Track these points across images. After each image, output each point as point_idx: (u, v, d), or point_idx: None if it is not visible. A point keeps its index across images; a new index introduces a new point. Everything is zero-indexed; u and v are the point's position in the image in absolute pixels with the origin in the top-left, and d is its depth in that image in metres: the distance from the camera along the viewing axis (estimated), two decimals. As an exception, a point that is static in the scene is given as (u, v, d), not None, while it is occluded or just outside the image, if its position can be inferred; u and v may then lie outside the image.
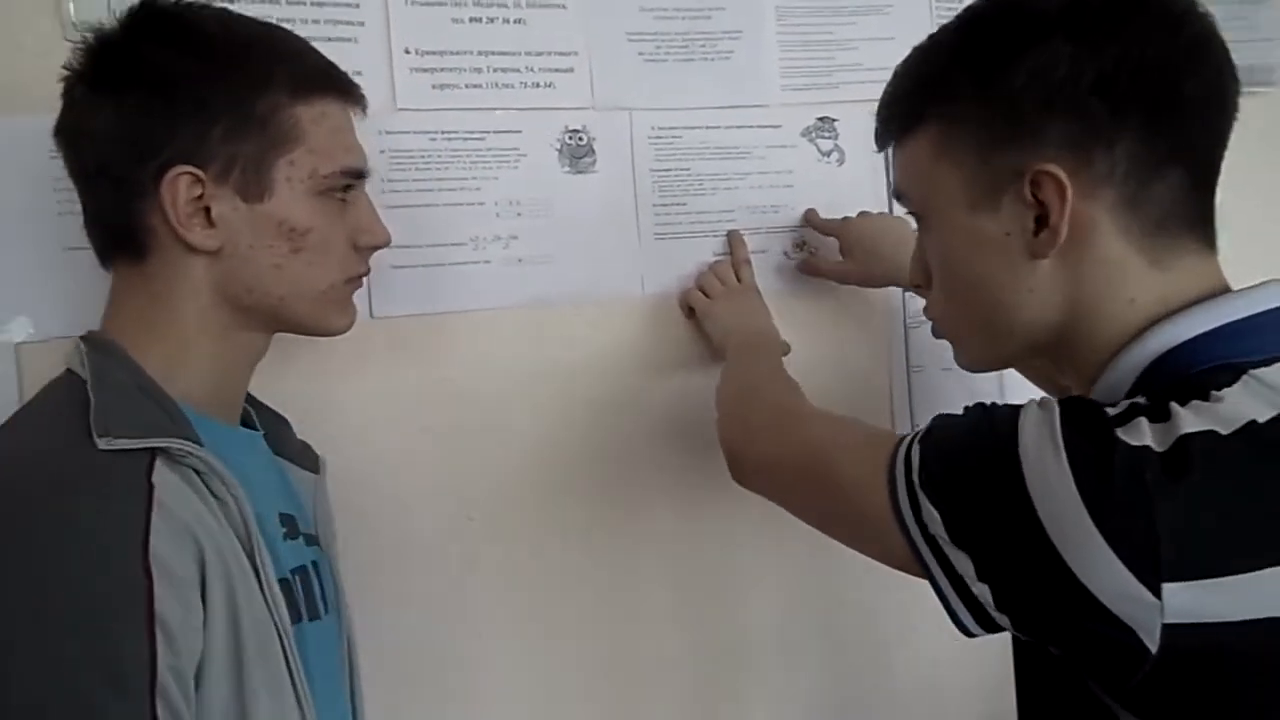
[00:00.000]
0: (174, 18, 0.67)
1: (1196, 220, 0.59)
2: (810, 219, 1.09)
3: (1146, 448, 0.50)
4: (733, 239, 1.07)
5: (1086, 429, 0.52)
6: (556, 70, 1.02)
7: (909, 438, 0.59)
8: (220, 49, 0.66)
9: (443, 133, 0.98)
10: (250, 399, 0.81)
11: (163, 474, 0.59)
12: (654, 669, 1.06)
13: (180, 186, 0.64)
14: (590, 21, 1.03)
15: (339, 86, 0.71)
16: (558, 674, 1.03)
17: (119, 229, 0.66)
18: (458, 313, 0.99)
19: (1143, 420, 0.52)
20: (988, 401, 0.58)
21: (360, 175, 0.72)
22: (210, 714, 0.58)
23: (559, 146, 1.02)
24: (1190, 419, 0.51)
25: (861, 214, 1.04)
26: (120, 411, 0.60)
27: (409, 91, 0.97)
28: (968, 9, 0.63)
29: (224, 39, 0.67)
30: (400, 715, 0.95)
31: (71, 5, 0.88)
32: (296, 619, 0.69)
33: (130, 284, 0.68)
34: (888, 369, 1.14)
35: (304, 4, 0.94)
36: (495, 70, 1.00)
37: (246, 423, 0.77)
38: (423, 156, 0.98)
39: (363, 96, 0.74)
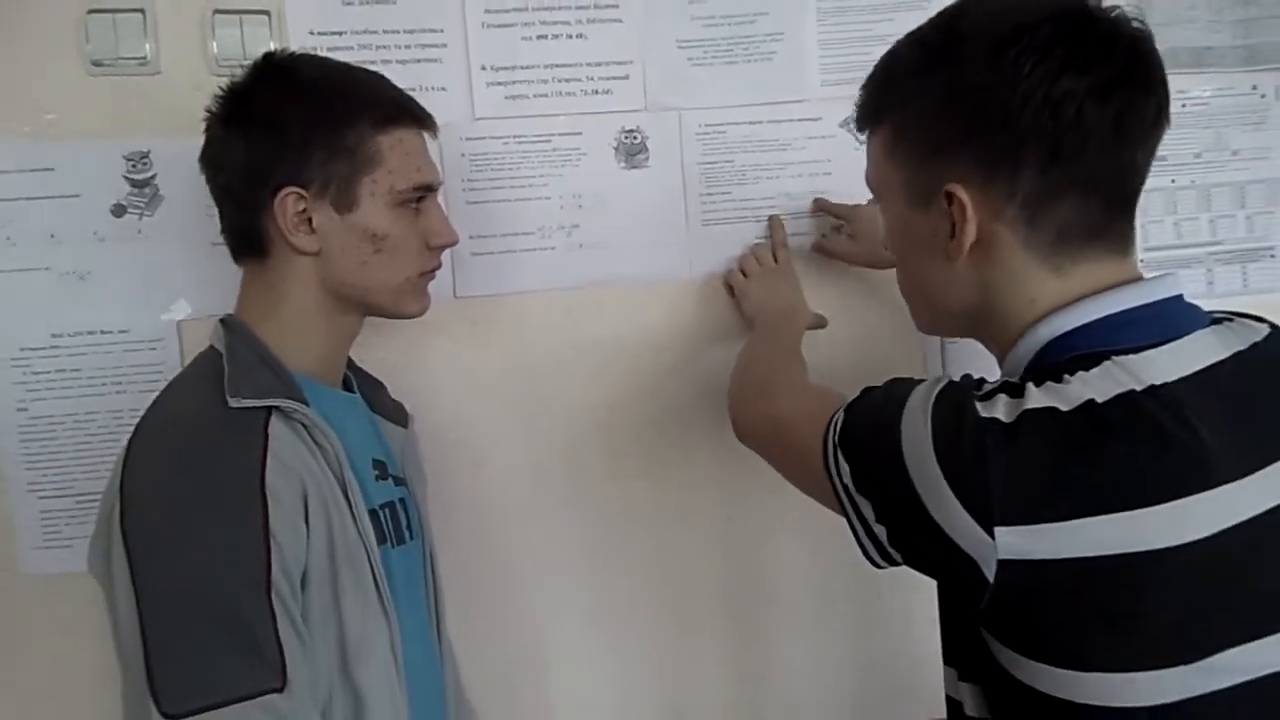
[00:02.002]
0: (285, 68, 0.85)
1: (1101, 234, 0.66)
2: (821, 204, 1.18)
3: (994, 419, 0.60)
4: (773, 223, 1.18)
5: (952, 402, 0.62)
6: (614, 78, 1.15)
7: (842, 405, 0.71)
8: (319, 92, 0.83)
9: (514, 137, 1.14)
10: (352, 366, 0.99)
11: (276, 426, 0.77)
12: (697, 603, 1.21)
13: (289, 202, 0.82)
14: (644, 32, 1.16)
15: (412, 117, 0.87)
16: (610, 603, 1.19)
17: (245, 235, 0.85)
18: (528, 293, 1.16)
19: (1002, 396, 0.62)
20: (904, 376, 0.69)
21: (430, 188, 0.88)
22: (311, 609, 0.76)
23: (616, 145, 1.16)
24: (1038, 396, 0.61)
25: (871, 201, 1.13)
26: (246, 378, 0.79)
27: (485, 103, 1.13)
28: (930, 20, 0.70)
29: (322, 83, 0.84)
30: (474, 627, 1.13)
31: (215, 44, 1.08)
32: (383, 542, 0.87)
33: (254, 277, 0.87)
34: (922, 340, 1.23)
35: (398, 31, 1.12)
36: (559, 81, 1.15)
37: (347, 386, 0.96)
38: (497, 159, 1.14)
39: (434, 123, 0.90)
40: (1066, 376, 0.62)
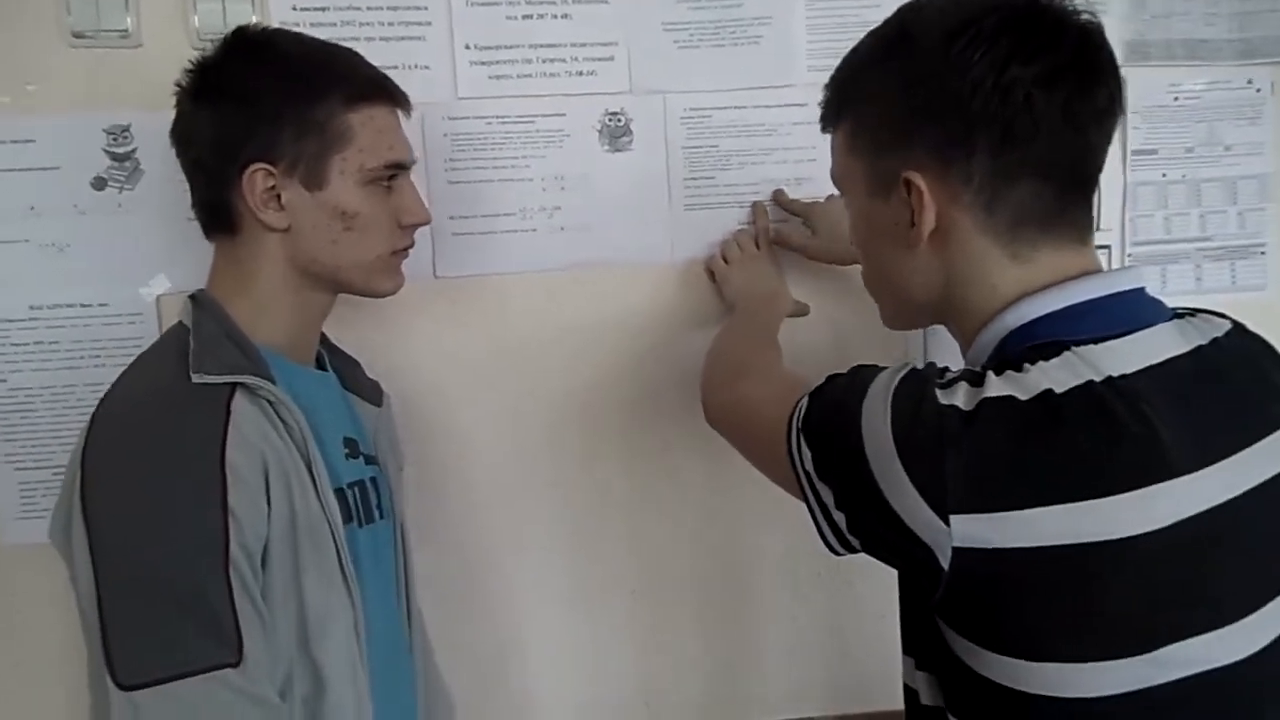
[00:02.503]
0: (257, 42, 0.84)
1: (1059, 220, 0.66)
2: (779, 199, 1.17)
3: (953, 406, 0.60)
4: (756, 209, 1.17)
5: (913, 389, 0.62)
6: (598, 59, 1.15)
7: (807, 391, 0.70)
8: (290, 68, 0.83)
9: (497, 117, 1.14)
10: (327, 344, 0.99)
11: (239, 402, 0.77)
12: (675, 588, 1.21)
13: (257, 179, 0.81)
14: (629, 14, 1.14)
15: (385, 94, 0.87)
16: (587, 589, 1.20)
17: (215, 211, 0.85)
18: (508, 274, 1.15)
19: (963, 384, 0.61)
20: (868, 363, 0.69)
21: (402, 166, 0.88)
22: (272, 585, 0.77)
23: (599, 128, 1.15)
24: (997, 385, 0.60)
25: (830, 198, 1.13)
26: (211, 354, 0.79)
27: (469, 82, 1.13)
28: (886, 21, 0.71)
29: (294, 59, 0.84)
30: (450, 609, 1.13)
31: (196, 18, 1.07)
32: (349, 521, 0.86)
33: (225, 254, 0.87)
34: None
35: (381, 8, 1.11)
36: (544, 61, 1.14)
37: (321, 363, 0.96)
38: (480, 139, 1.13)
39: (407, 100, 0.90)
40: (1026, 365, 0.62)
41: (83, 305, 1.08)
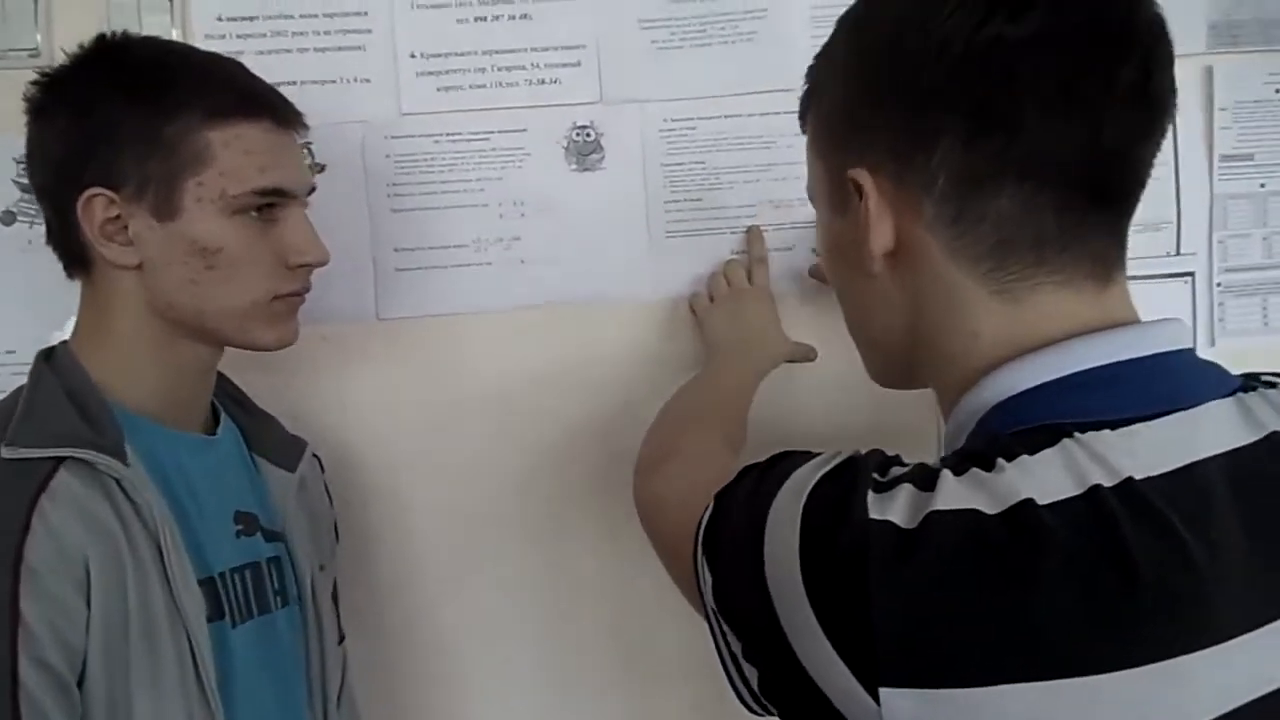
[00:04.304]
0: (110, 51, 0.72)
1: (1061, 246, 0.47)
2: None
3: (887, 523, 0.41)
4: (750, 236, 0.99)
5: (837, 492, 0.43)
6: (563, 65, 0.99)
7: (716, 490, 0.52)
8: (138, 79, 0.70)
9: (447, 135, 0.99)
10: (232, 398, 0.85)
11: (62, 481, 0.64)
12: (663, 678, 1.02)
13: (96, 206, 0.68)
14: (599, 11, 0.99)
15: (258, 109, 0.72)
16: (560, 678, 1.02)
17: (64, 246, 0.73)
18: (461, 315, 1.00)
19: (906, 488, 0.42)
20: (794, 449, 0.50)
21: (281, 193, 0.73)
22: (95, 706, 0.63)
23: (565, 144, 0.99)
24: (954, 492, 0.41)
25: None
26: (36, 422, 0.66)
27: (413, 96, 0.98)
28: None
29: (146, 69, 0.71)
30: (396, 712, 0.98)
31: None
32: (219, 616, 0.72)
33: (84, 296, 0.74)
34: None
35: (317, 15, 0.98)
36: (499, 69, 0.99)
37: (216, 423, 0.81)
38: (427, 160, 0.99)
39: (294, 115, 0.75)
40: (1002, 461, 0.42)
41: (-12, 354, 0.98)
